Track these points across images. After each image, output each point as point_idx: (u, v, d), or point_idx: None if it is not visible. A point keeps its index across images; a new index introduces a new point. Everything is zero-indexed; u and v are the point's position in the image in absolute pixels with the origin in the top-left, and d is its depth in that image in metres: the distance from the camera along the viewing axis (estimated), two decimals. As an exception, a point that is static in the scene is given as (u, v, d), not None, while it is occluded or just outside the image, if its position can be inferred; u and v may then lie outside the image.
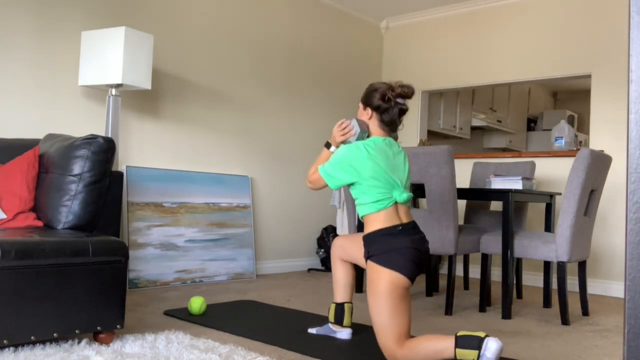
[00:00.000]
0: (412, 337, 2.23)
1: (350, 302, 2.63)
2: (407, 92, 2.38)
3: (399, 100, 2.38)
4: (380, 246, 2.25)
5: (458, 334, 2.09)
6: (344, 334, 2.61)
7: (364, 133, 2.40)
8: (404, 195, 2.32)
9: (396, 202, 2.32)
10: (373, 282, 2.24)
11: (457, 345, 2.06)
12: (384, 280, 2.22)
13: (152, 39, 3.41)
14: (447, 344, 2.09)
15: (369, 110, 2.42)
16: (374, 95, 2.40)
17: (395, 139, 2.48)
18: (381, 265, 2.23)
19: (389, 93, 2.36)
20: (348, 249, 2.58)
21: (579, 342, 2.74)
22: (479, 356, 2.01)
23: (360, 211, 2.35)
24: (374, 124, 2.42)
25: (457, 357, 2.07)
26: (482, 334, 2.05)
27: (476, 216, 4.24)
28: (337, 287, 2.63)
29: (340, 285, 2.63)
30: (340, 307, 2.61)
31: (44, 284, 2.05)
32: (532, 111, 8.18)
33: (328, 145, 2.48)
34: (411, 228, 2.32)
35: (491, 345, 2.01)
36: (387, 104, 2.37)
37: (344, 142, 2.43)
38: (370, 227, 2.30)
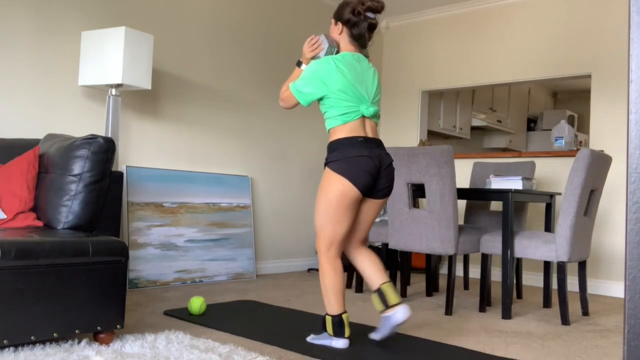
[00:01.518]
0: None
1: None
2: (377, 6, 2.45)
3: (369, 14, 2.45)
4: (339, 153, 2.34)
5: (340, 317, 2.38)
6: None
7: (333, 48, 2.47)
8: (370, 109, 2.41)
9: (363, 116, 2.41)
10: (324, 186, 2.36)
11: (329, 318, 2.40)
12: (334, 187, 2.33)
13: (152, 39, 3.41)
14: (334, 306, 2.38)
15: (339, 25, 2.49)
16: (345, 9, 2.47)
17: (366, 56, 2.54)
18: (336, 172, 2.33)
19: (359, 7, 2.44)
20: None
21: (579, 342, 2.74)
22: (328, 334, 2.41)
23: (328, 124, 2.43)
24: (344, 40, 2.50)
25: (325, 320, 2.42)
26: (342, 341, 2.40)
27: (476, 216, 4.24)
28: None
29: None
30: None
31: (44, 284, 2.05)
32: (532, 111, 8.18)
33: (299, 64, 2.55)
34: (375, 143, 2.40)
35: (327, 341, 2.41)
36: (357, 18, 2.44)
37: (313, 57, 2.50)
38: (334, 137, 2.40)
